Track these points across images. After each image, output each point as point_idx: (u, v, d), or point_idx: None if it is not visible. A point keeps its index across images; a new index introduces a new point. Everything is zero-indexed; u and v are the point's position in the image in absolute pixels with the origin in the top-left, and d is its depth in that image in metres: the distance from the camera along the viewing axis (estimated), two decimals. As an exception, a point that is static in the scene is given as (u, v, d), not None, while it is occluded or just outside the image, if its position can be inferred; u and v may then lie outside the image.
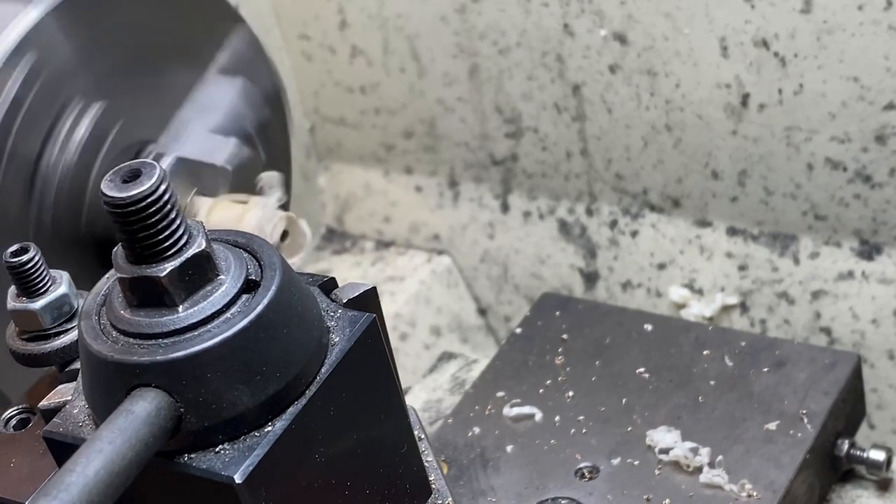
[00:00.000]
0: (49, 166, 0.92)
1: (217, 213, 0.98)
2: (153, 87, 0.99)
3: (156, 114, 0.99)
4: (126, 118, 0.96)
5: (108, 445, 0.59)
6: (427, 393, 1.17)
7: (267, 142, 1.07)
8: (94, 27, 0.95)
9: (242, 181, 1.02)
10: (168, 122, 0.99)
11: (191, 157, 0.98)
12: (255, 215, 0.98)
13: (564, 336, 1.10)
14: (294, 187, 1.15)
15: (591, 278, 1.32)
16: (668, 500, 0.95)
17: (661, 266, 1.27)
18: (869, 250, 1.15)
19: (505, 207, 1.33)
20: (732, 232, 1.22)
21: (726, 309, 1.24)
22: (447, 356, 1.22)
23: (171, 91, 1.00)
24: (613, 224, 1.28)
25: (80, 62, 0.93)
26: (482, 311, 1.40)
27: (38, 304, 0.73)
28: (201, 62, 1.02)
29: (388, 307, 1.16)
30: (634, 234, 1.27)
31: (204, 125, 1.01)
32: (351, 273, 1.35)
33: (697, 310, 1.24)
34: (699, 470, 0.96)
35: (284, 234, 0.99)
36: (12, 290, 0.74)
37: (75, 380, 0.69)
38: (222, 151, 1.01)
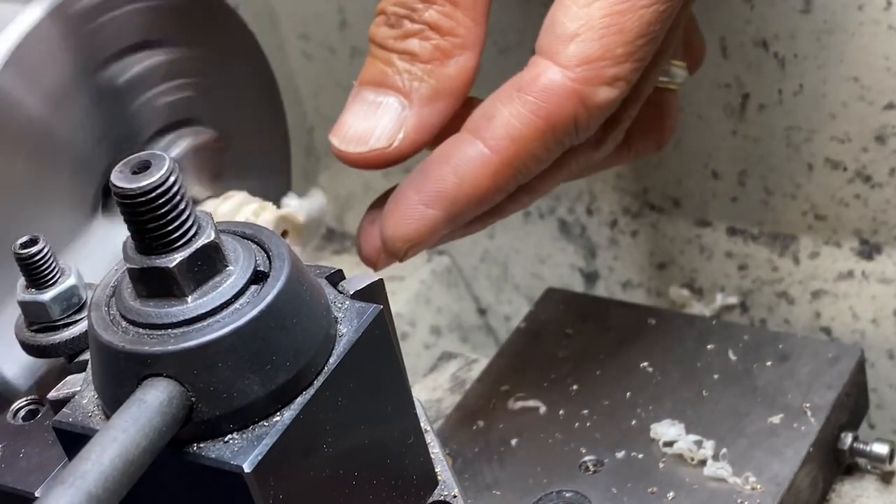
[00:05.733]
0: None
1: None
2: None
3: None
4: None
5: (122, 434, 0.59)
6: (427, 393, 1.17)
7: (260, 129, 1.05)
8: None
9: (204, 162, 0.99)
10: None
11: None
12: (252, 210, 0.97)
13: (568, 330, 1.11)
14: (294, 187, 1.15)
15: (591, 278, 1.32)
16: (672, 493, 0.95)
17: (661, 266, 1.27)
18: (869, 250, 1.15)
19: (505, 207, 1.33)
20: (732, 232, 1.22)
21: (726, 309, 1.24)
22: (447, 356, 1.22)
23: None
24: (613, 224, 1.28)
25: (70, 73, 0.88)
26: (482, 311, 1.40)
27: (47, 295, 0.74)
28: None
29: (388, 306, 1.16)
30: (634, 233, 1.27)
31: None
32: (351, 272, 1.35)
33: (697, 310, 1.24)
34: (703, 463, 0.96)
35: (284, 234, 0.99)
36: (21, 281, 0.74)
37: (84, 371, 0.69)
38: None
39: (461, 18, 0.87)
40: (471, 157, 0.85)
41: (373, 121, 0.89)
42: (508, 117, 0.85)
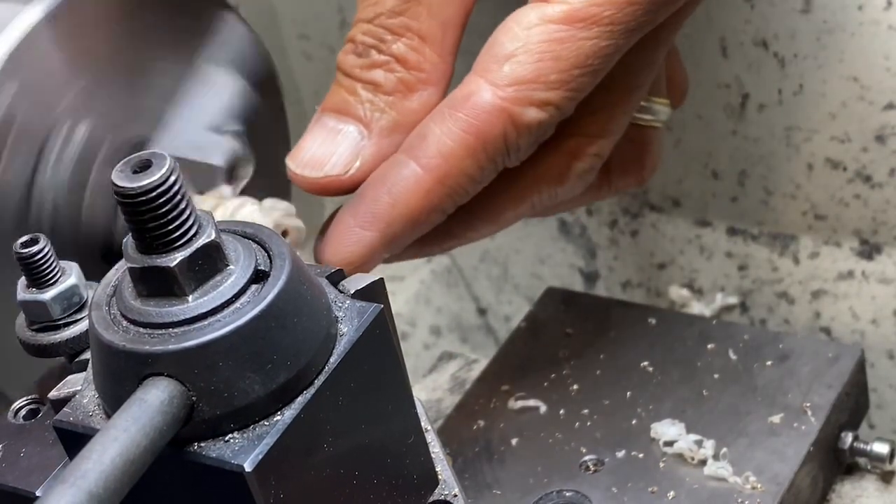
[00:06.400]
0: (42, 190, 0.88)
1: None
2: (142, 86, 0.95)
3: (146, 113, 0.95)
4: (115, 129, 0.92)
5: (123, 433, 0.59)
6: (427, 393, 1.17)
7: (261, 129, 1.06)
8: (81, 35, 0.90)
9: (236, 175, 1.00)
10: (158, 122, 0.96)
11: (185, 157, 0.97)
12: (250, 211, 0.97)
13: (569, 330, 1.11)
14: (294, 187, 1.14)
15: (590, 278, 1.32)
16: (672, 493, 0.95)
17: (661, 266, 1.27)
18: (869, 250, 1.15)
19: (505, 207, 1.33)
20: (732, 232, 1.22)
21: (726, 309, 1.24)
22: (447, 356, 1.22)
23: (161, 88, 0.96)
24: (613, 224, 1.28)
25: (67, 74, 0.88)
26: (482, 311, 1.41)
27: (48, 294, 0.73)
28: (189, 54, 0.98)
29: (388, 306, 1.16)
30: (634, 233, 1.27)
31: (197, 122, 0.99)
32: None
33: (697, 310, 1.25)
34: (703, 462, 0.96)
35: (284, 234, 0.99)
36: (22, 280, 0.74)
37: (85, 370, 0.69)
38: (217, 150, 0.99)
39: (428, 54, 0.87)
40: (404, 176, 0.85)
41: (331, 147, 0.89)
42: (440, 135, 0.85)
